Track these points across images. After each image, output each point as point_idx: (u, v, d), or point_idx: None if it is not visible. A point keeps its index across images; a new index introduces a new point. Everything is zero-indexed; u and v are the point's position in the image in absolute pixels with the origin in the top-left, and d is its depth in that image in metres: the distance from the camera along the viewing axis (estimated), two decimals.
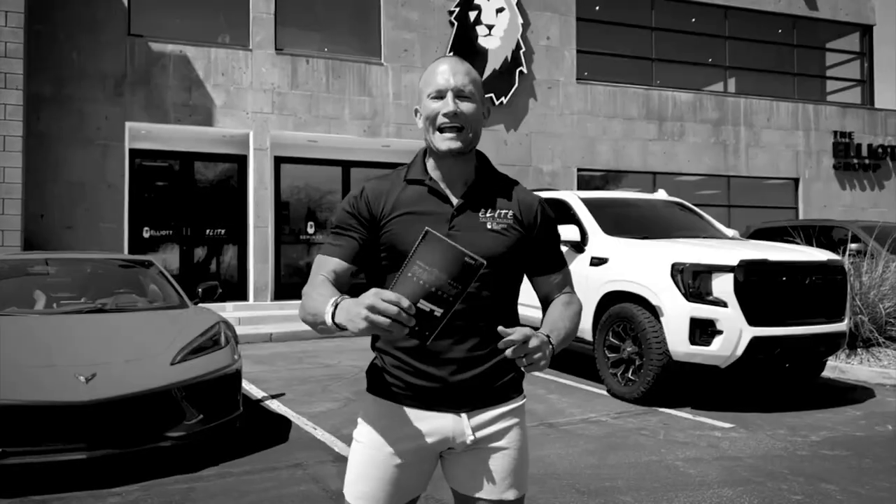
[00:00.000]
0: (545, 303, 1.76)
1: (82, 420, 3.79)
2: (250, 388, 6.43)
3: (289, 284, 12.42)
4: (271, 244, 12.11)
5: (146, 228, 11.83)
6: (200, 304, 5.66)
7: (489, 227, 1.62)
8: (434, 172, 1.67)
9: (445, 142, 1.60)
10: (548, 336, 1.54)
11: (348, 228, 1.66)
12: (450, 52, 12.97)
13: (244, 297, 12.06)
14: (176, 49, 11.46)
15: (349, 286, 1.64)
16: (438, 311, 1.36)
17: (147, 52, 11.30)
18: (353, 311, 1.34)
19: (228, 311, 10.80)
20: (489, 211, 1.64)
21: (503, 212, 1.65)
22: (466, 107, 1.61)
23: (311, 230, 12.93)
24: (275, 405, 5.82)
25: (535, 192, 1.80)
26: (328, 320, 1.43)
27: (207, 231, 12.27)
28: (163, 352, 4.35)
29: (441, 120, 1.60)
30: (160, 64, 11.35)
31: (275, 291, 12.14)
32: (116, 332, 4.65)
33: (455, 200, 1.64)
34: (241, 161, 12.37)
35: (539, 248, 1.71)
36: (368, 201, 1.66)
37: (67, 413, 3.78)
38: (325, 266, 1.64)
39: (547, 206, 1.75)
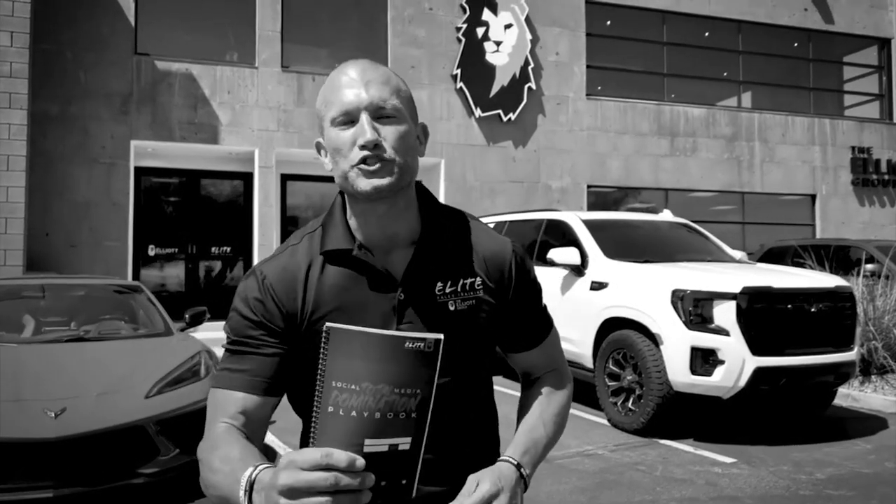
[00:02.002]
0: (525, 379, 1.40)
1: (50, 457, 3.66)
2: None
3: None
4: None
5: (151, 246, 11.82)
6: (188, 330, 5.55)
7: (451, 307, 1.20)
8: (361, 232, 1.20)
9: (370, 179, 1.11)
10: (518, 467, 1.18)
11: (252, 343, 1.18)
12: (457, 69, 12.90)
13: None
14: (182, 67, 11.46)
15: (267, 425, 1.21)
16: (404, 444, 0.91)
17: (153, 70, 11.31)
18: (272, 499, 0.89)
19: None
20: (449, 283, 1.20)
21: (467, 280, 1.22)
22: (391, 132, 1.13)
23: None
24: None
25: (495, 232, 1.36)
26: None
27: (213, 249, 12.24)
28: (138, 384, 4.23)
29: (358, 154, 1.11)
30: (166, 82, 11.36)
31: None
32: (93, 363, 4.54)
33: (398, 278, 1.18)
34: (247, 178, 12.33)
35: (515, 317, 1.29)
36: (276, 296, 1.18)
37: (34, 450, 3.66)
38: (227, 406, 1.16)
39: (521, 252, 1.31)
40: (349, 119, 1.13)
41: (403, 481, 0.92)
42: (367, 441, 0.88)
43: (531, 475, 1.22)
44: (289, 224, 12.64)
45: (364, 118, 1.11)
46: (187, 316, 5.57)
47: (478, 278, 1.23)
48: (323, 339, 0.89)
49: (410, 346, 0.89)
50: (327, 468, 0.85)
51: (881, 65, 16.96)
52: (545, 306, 1.39)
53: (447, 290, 1.20)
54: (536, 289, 1.35)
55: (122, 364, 4.56)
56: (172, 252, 12.00)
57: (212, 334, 7.81)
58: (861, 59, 16.94)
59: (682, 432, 5.65)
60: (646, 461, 4.94)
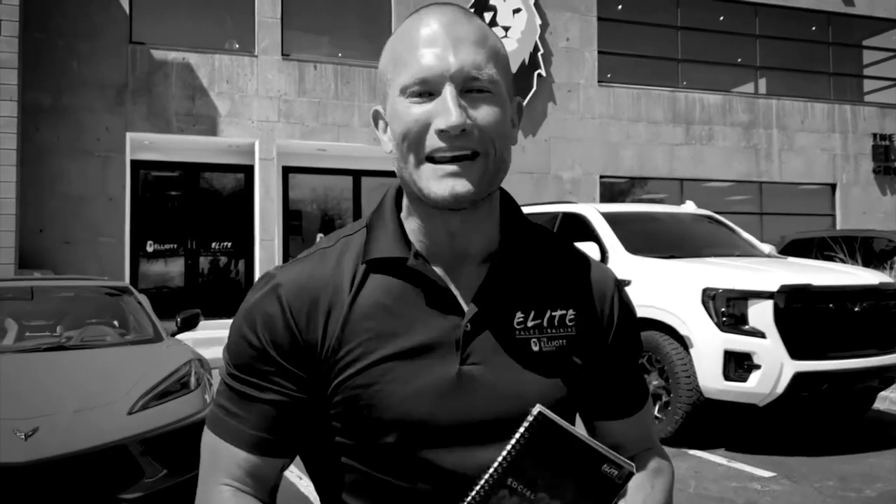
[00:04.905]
0: None
1: (20, 483, 3.31)
2: None
3: None
4: (278, 258, 11.69)
5: (150, 242, 11.53)
6: (180, 335, 5.18)
7: (535, 346, 0.90)
8: (422, 240, 0.91)
9: (447, 182, 0.82)
10: None
11: (255, 382, 0.88)
12: None
13: None
14: (178, 56, 11.09)
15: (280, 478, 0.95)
16: None
17: (149, 59, 10.95)
18: None
19: None
20: (532, 314, 0.91)
21: (557, 313, 0.92)
22: (485, 114, 0.83)
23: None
24: None
25: (597, 260, 1.06)
26: None
27: (213, 244, 11.95)
28: (121, 398, 3.85)
29: (435, 143, 0.82)
30: (162, 72, 11.00)
31: None
32: (73, 374, 4.17)
33: (465, 303, 0.89)
34: (248, 171, 11.99)
35: (611, 371, 0.98)
36: (292, 317, 0.87)
37: (2, 476, 3.29)
38: (226, 462, 0.89)
39: (624, 291, 1.02)
40: (426, 90, 0.83)
41: None
42: None
43: None
44: (291, 218, 12.32)
45: (448, 92, 0.81)
46: (179, 319, 5.19)
47: (570, 311, 0.94)
48: (528, 422, 0.76)
49: (607, 469, 0.78)
50: None
51: None
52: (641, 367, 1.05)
53: (529, 324, 0.91)
54: (638, 340, 1.04)
55: (104, 376, 4.18)
56: (171, 248, 11.72)
57: (208, 333, 7.45)
58: (882, 42, 16.47)
59: (712, 441, 5.29)
60: (677, 475, 4.52)
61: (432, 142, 0.82)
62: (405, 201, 0.93)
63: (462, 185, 0.82)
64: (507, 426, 0.81)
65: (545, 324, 0.92)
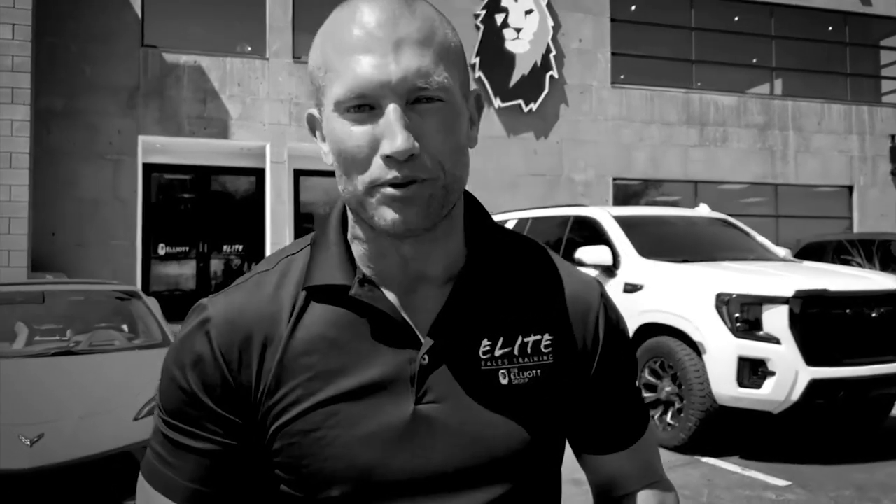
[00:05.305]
0: (603, 497, 0.93)
1: (24, 490, 3.30)
2: None
3: None
4: None
5: (161, 245, 11.57)
6: None
7: (503, 379, 0.79)
8: (370, 265, 0.80)
9: (396, 209, 0.72)
10: None
11: (187, 429, 0.79)
12: (476, 57, 12.41)
13: None
14: (190, 59, 11.12)
15: None
16: None
17: (161, 63, 10.98)
18: None
19: None
20: (501, 341, 0.80)
21: (530, 339, 0.81)
22: (435, 127, 0.72)
23: None
24: None
25: (580, 270, 0.93)
26: None
27: (225, 247, 11.99)
28: (127, 404, 3.84)
29: (380, 169, 0.71)
30: (174, 75, 11.02)
31: None
32: (79, 379, 4.16)
33: (422, 332, 0.79)
34: (259, 174, 12.00)
35: (600, 400, 0.86)
36: (222, 355, 0.78)
37: (6, 483, 3.28)
38: None
39: (611, 301, 0.89)
40: (365, 104, 0.71)
41: None
42: None
43: None
44: (303, 221, 12.32)
45: (392, 110, 0.70)
46: None
47: (545, 336, 0.81)
48: None
49: None
50: None
51: None
52: (640, 387, 0.92)
53: (497, 353, 0.79)
54: (631, 359, 0.89)
55: (110, 381, 4.18)
56: (183, 251, 11.77)
57: None
58: None
59: (726, 449, 5.19)
60: (689, 484, 4.48)
61: (378, 168, 0.71)
62: (351, 220, 0.81)
63: (412, 214, 0.71)
64: (470, 475, 0.73)
65: (516, 352, 0.79)
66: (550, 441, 0.81)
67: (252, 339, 0.77)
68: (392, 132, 0.69)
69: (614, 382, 0.86)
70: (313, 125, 0.81)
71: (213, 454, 0.77)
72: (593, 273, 6.08)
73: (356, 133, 0.71)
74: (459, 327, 0.79)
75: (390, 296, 0.79)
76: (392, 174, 0.70)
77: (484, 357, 0.78)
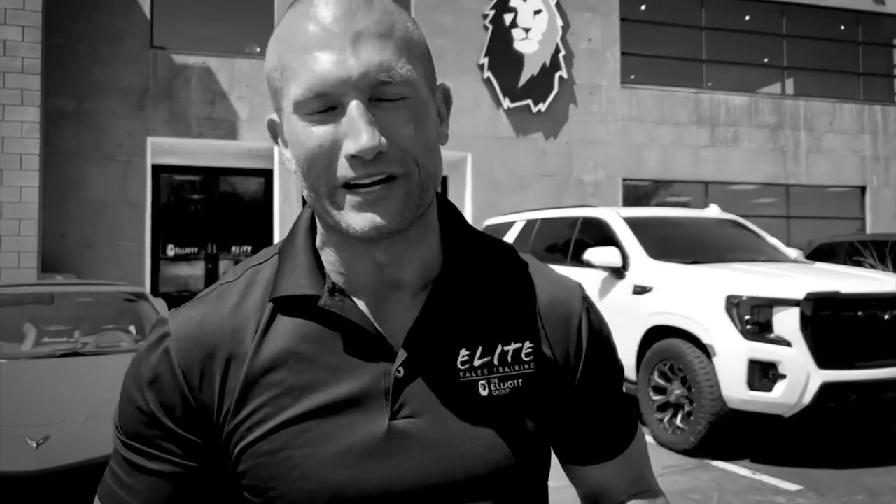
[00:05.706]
0: None
1: (30, 493, 3.29)
2: None
3: None
4: None
5: (170, 246, 11.62)
6: None
7: (483, 390, 0.75)
8: (342, 272, 0.77)
9: (366, 213, 0.68)
10: None
11: (145, 451, 0.75)
12: (485, 57, 12.38)
13: None
14: (199, 61, 11.15)
15: None
16: None
17: (169, 64, 11.01)
18: None
19: None
20: (480, 350, 0.76)
21: (510, 347, 0.78)
22: (402, 125, 0.68)
23: None
24: None
25: (560, 273, 0.88)
26: None
27: (233, 248, 12.04)
28: None
29: (346, 170, 0.67)
30: (183, 76, 11.05)
31: None
32: (85, 381, 4.16)
33: (396, 343, 0.75)
34: (268, 175, 12.03)
35: (585, 409, 0.83)
36: (183, 375, 0.74)
37: (11, 485, 3.28)
38: None
39: (593, 305, 0.86)
40: (327, 104, 0.67)
41: None
42: None
43: None
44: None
45: (355, 107, 0.66)
46: None
47: (526, 343, 0.77)
48: None
49: None
50: None
51: None
52: (627, 394, 0.90)
53: (476, 363, 0.75)
54: (616, 365, 0.85)
55: (117, 383, 4.12)
56: (192, 252, 11.81)
57: None
58: None
59: (736, 452, 5.14)
60: (699, 488, 4.44)
61: (343, 169, 0.67)
62: (320, 227, 0.77)
63: (384, 215, 0.67)
64: (449, 492, 0.70)
65: (496, 361, 0.76)
66: (535, 454, 0.78)
67: (215, 355, 0.74)
68: (356, 129, 0.65)
69: (600, 390, 0.83)
70: (274, 131, 0.77)
71: (172, 476, 0.74)
72: (602, 275, 6.04)
73: (318, 134, 0.67)
74: (436, 337, 0.75)
75: (362, 305, 0.75)
76: (359, 174, 0.67)
77: (462, 368, 0.75)
